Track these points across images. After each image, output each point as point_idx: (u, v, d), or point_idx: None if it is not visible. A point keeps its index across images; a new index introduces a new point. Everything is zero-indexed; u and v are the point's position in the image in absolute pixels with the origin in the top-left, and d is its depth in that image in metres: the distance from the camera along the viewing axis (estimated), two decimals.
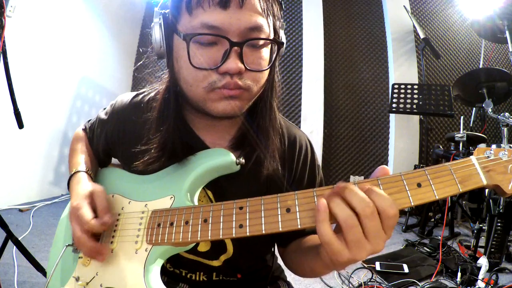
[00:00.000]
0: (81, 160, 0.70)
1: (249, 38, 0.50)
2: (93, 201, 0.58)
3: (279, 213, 0.42)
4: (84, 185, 0.62)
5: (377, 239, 0.37)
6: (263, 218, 0.43)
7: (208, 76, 0.51)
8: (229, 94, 0.52)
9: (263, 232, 0.42)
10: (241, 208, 0.45)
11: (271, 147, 0.60)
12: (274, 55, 0.55)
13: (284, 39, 0.57)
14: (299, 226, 0.41)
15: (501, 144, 1.71)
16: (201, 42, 0.50)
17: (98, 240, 0.58)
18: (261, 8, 0.50)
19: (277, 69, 0.61)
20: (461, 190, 0.39)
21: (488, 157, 0.40)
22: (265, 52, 0.54)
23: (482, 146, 0.43)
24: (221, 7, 0.48)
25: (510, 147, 0.41)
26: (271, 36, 0.53)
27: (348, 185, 0.39)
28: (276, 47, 0.55)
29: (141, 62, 0.70)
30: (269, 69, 0.56)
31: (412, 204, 0.39)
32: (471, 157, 0.41)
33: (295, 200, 0.42)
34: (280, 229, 0.42)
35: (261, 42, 0.52)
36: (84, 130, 0.79)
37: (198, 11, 0.49)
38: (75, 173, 0.66)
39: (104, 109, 0.75)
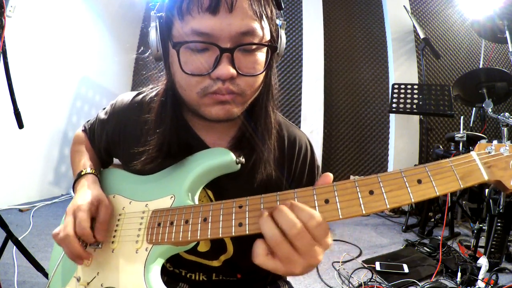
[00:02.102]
0: (87, 162, 0.70)
1: (240, 43, 0.49)
2: (97, 210, 0.58)
3: None
4: (96, 189, 0.62)
5: (310, 253, 0.38)
6: None
7: (201, 82, 0.51)
8: (221, 99, 0.51)
9: None
10: (240, 206, 0.45)
11: (266, 152, 0.60)
12: (269, 59, 0.54)
13: (284, 39, 0.57)
14: None
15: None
16: (192, 48, 0.50)
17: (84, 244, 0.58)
18: (253, 11, 0.49)
19: (275, 72, 0.60)
20: (462, 186, 0.38)
21: (489, 152, 0.40)
22: (260, 55, 0.53)
23: (483, 141, 0.42)
24: (211, 12, 0.47)
25: (511, 142, 0.41)
26: (266, 39, 0.53)
27: (279, 206, 0.40)
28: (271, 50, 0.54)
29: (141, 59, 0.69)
30: (264, 73, 0.55)
31: (413, 200, 0.38)
32: (471, 152, 0.40)
33: (294, 198, 0.42)
34: None
35: (254, 46, 0.51)
36: (84, 131, 0.79)
37: (188, 17, 0.48)
38: (84, 174, 0.66)
39: (104, 109, 0.75)
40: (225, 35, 0.48)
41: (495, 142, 0.41)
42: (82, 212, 0.55)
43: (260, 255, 0.39)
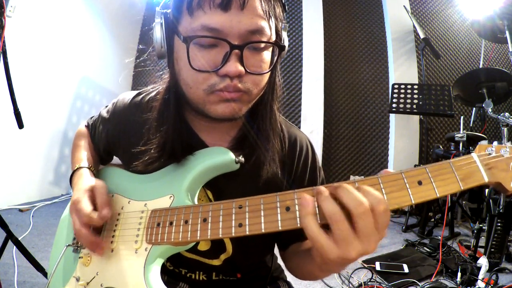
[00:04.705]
0: (84, 157, 0.70)
1: (250, 41, 0.49)
2: (93, 195, 0.58)
3: (278, 212, 0.42)
4: (85, 180, 0.62)
5: (368, 238, 0.37)
6: (262, 217, 0.43)
7: (208, 78, 0.51)
8: (228, 96, 0.51)
9: (263, 231, 0.42)
10: (240, 207, 0.45)
11: (271, 150, 0.60)
12: (275, 58, 0.55)
13: (286, 41, 0.57)
14: (298, 225, 0.41)
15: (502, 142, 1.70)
16: (201, 44, 0.50)
17: (99, 235, 0.58)
18: (263, 11, 0.50)
19: (278, 71, 0.61)
20: (462, 188, 0.38)
21: (490, 154, 0.40)
22: (266, 54, 0.53)
23: (484, 143, 0.42)
24: (222, 9, 0.47)
25: None
26: (273, 39, 0.53)
27: (341, 184, 0.38)
28: (277, 49, 0.54)
29: (142, 58, 0.69)
30: (269, 72, 0.55)
31: (413, 202, 0.38)
32: (472, 154, 0.40)
33: (294, 199, 0.42)
34: (280, 228, 0.41)
35: (262, 45, 0.51)
36: (87, 126, 0.79)
37: (199, 13, 0.49)
38: (77, 168, 0.66)
39: (106, 106, 0.75)
40: (235, 32, 0.48)
41: (495, 143, 0.41)
42: (80, 203, 0.56)
43: (314, 228, 0.37)
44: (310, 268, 0.55)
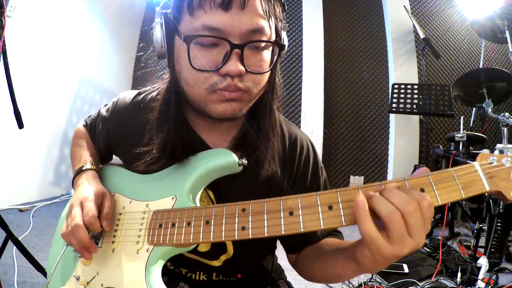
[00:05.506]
0: (88, 157, 0.70)
1: (250, 40, 0.50)
2: (102, 202, 0.59)
3: (281, 216, 0.42)
4: (98, 184, 0.63)
5: (419, 233, 0.38)
6: (265, 221, 0.43)
7: (209, 78, 0.51)
8: (229, 96, 0.52)
9: (266, 235, 0.42)
10: (243, 210, 0.45)
11: (270, 150, 0.60)
12: (275, 57, 0.55)
13: (286, 41, 0.57)
14: (301, 230, 0.41)
15: (501, 145, 1.70)
16: (202, 43, 0.50)
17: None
18: (263, 10, 0.50)
19: (278, 70, 0.61)
20: (464, 196, 0.39)
21: (491, 163, 0.41)
22: (266, 54, 0.54)
23: (486, 151, 0.43)
24: (223, 9, 0.48)
25: None
26: (273, 38, 0.53)
27: (387, 186, 0.40)
28: (277, 49, 0.55)
29: (142, 58, 0.69)
30: (269, 71, 0.56)
31: None
32: (474, 163, 0.41)
33: (298, 203, 0.42)
34: (283, 232, 0.41)
35: (262, 44, 0.52)
36: (85, 126, 0.79)
37: (200, 13, 0.49)
38: (85, 169, 0.66)
39: (106, 105, 0.75)
40: (236, 32, 0.48)
41: (496, 152, 0.42)
42: (89, 202, 0.56)
43: (373, 230, 0.38)
44: (341, 270, 0.52)
